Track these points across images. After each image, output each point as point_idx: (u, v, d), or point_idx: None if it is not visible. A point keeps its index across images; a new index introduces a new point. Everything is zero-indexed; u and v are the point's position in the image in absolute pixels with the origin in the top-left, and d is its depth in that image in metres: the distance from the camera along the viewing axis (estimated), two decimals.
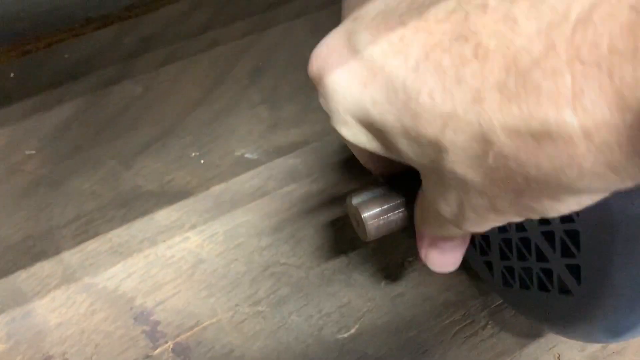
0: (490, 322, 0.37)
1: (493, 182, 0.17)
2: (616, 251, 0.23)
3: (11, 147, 0.45)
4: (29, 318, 0.37)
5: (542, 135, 0.15)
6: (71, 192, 0.43)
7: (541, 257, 0.29)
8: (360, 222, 0.28)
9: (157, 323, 0.37)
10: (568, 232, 0.26)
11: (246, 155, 0.44)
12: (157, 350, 0.36)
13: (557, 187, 0.16)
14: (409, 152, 0.19)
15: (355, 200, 0.29)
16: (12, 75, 0.50)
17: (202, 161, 0.44)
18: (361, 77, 0.19)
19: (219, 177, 0.43)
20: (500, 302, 0.37)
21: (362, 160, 0.28)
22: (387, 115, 0.19)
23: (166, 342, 0.36)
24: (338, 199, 0.42)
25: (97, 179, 0.43)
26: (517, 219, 0.19)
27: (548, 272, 0.29)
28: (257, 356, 0.35)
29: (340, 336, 0.36)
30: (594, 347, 0.36)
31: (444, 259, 0.27)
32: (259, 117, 0.47)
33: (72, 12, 0.55)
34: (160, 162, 0.44)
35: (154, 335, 0.36)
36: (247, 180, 0.43)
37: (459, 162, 0.17)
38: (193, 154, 0.45)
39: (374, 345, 0.36)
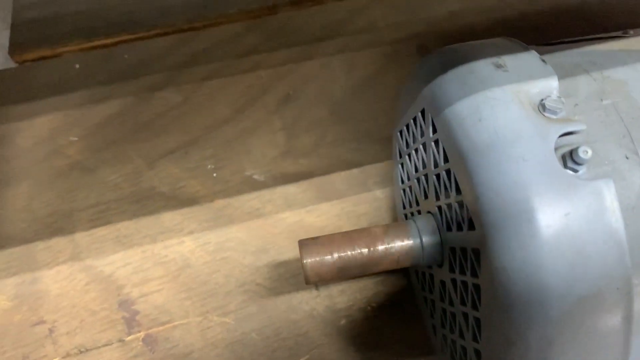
0: None
1: None
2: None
3: (59, 131, 0.52)
4: (36, 284, 0.43)
5: None
6: (98, 181, 0.48)
7: (461, 333, 0.30)
8: (302, 265, 0.31)
9: (137, 313, 0.41)
10: (475, 319, 0.27)
11: (254, 177, 0.48)
12: (130, 337, 0.40)
13: None
14: None
15: (303, 243, 0.31)
16: (77, 66, 0.57)
17: (214, 174, 0.48)
18: None
19: (225, 192, 0.47)
20: None
21: None
22: None
23: (139, 332, 0.41)
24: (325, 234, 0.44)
25: (123, 173, 0.49)
26: None
27: (464, 350, 0.30)
28: None
29: None
30: None
31: None
32: (276, 142, 0.50)
33: (142, 18, 0.61)
34: (179, 169, 0.49)
35: (131, 323, 0.41)
36: (248, 200, 0.47)
37: None
38: (209, 166, 0.49)
39: None
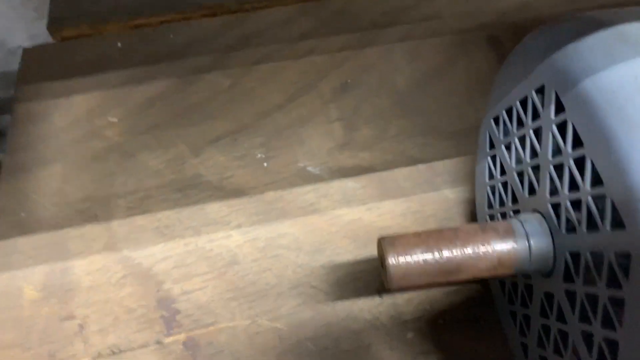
0: None
1: None
2: None
3: (98, 111, 0.48)
4: (66, 275, 0.39)
5: None
6: (138, 165, 0.44)
7: (577, 358, 0.25)
8: (385, 266, 0.26)
9: (177, 312, 0.37)
10: (608, 341, 0.22)
11: (308, 169, 0.44)
12: (169, 339, 0.36)
13: None
14: None
15: (386, 241, 0.27)
16: (119, 45, 0.53)
17: (265, 164, 0.44)
18: None
19: (277, 184, 0.43)
20: None
21: None
22: None
23: (180, 334, 0.36)
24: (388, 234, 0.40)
25: (164, 159, 0.45)
26: None
27: None
28: None
29: None
30: None
31: None
32: (332, 134, 0.46)
33: None
34: (226, 157, 0.45)
35: (170, 323, 0.36)
36: (302, 194, 0.42)
37: None
38: (259, 156, 0.45)
39: None
